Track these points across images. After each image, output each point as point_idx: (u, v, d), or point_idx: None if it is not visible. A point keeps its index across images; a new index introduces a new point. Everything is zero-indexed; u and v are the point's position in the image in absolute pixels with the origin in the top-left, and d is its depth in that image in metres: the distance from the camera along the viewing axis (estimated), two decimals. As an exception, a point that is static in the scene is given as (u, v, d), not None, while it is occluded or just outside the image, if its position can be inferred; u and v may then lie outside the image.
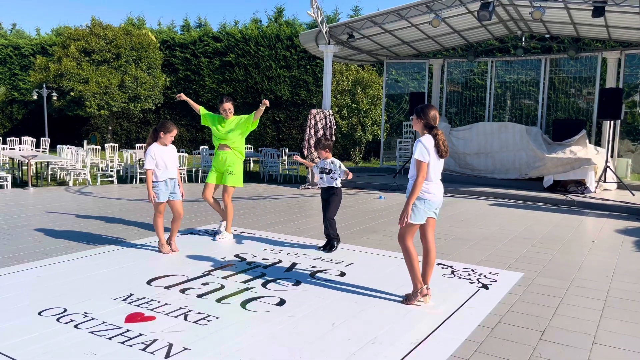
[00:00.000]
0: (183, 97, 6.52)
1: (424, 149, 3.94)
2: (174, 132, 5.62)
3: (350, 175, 5.67)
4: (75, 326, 3.53)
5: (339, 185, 5.83)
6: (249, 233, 6.77)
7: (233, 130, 6.34)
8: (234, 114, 6.44)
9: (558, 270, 5.31)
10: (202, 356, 3.14)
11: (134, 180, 13.24)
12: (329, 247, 5.83)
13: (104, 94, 22.99)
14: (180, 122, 25.70)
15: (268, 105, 6.22)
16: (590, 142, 12.50)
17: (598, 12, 10.04)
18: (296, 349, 3.28)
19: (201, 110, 6.64)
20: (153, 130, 5.64)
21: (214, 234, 6.65)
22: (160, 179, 5.53)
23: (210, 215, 8.10)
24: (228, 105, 6.33)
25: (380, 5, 47.39)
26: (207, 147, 16.51)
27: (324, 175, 5.82)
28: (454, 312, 3.99)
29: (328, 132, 12.69)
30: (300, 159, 6.17)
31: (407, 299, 4.17)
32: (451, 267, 5.31)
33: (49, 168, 13.35)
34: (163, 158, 5.52)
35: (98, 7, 69.08)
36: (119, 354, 3.14)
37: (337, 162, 5.81)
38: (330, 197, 5.81)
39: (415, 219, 4.01)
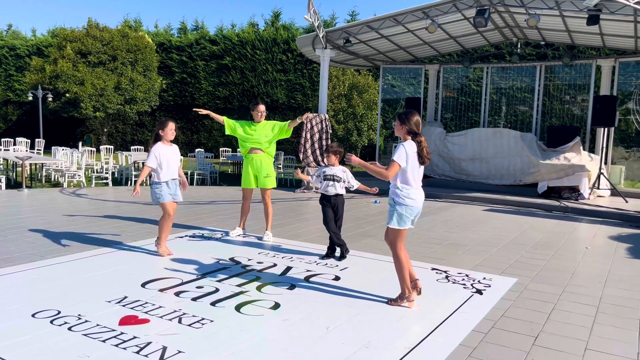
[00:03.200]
0: (203, 111, 6.51)
1: (404, 152, 3.96)
2: (171, 124, 5.63)
3: (376, 190, 5.55)
4: (69, 328, 3.52)
5: (344, 192, 5.76)
6: (244, 236, 6.76)
7: (269, 136, 6.58)
8: (238, 119, 6.65)
9: (551, 276, 5.33)
10: (196, 359, 3.14)
11: (129, 182, 13.21)
12: (340, 256, 5.70)
13: (100, 96, 22.95)
14: (176, 124, 25.62)
15: (310, 117, 6.35)
16: (584, 149, 12.58)
17: (593, 20, 10.12)
18: (290, 352, 3.28)
19: (225, 120, 6.66)
20: (155, 133, 5.62)
21: (209, 237, 6.65)
22: (163, 179, 5.52)
23: (206, 218, 8.10)
24: (262, 108, 6.57)
25: (377, 10, 47.56)
26: (202, 150, 16.50)
27: (335, 182, 5.59)
28: (448, 317, 4.00)
29: (324, 137, 12.71)
30: (300, 175, 5.97)
31: (392, 300, 4.17)
32: (445, 272, 5.32)
33: (44, 169, 13.31)
34: (167, 158, 5.54)
35: (94, 9, 69.05)
36: (112, 356, 3.13)
37: (348, 170, 5.72)
38: (338, 206, 5.64)
39: (404, 225, 4.03)
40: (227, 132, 6.70)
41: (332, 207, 5.63)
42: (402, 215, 4.01)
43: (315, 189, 12.07)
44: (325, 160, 5.74)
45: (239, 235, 6.74)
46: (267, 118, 6.74)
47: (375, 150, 17.25)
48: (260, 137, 6.54)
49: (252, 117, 6.64)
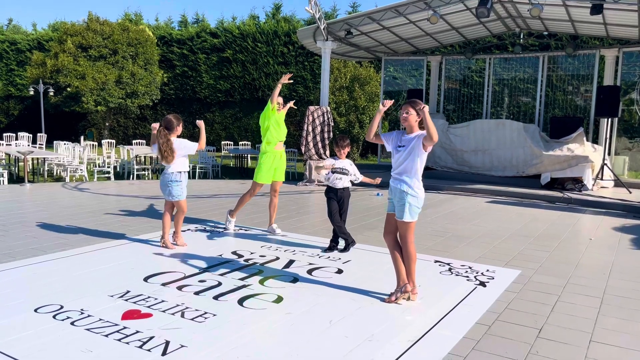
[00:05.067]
0: (286, 78, 6.15)
1: None
2: (181, 124, 5.67)
3: (378, 180, 5.49)
4: (72, 323, 3.51)
5: (350, 185, 5.74)
6: (246, 230, 6.76)
7: (285, 129, 6.47)
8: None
9: (555, 267, 5.31)
10: (199, 353, 3.13)
11: (131, 176, 13.21)
12: (344, 248, 5.69)
13: (101, 90, 22.92)
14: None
15: (292, 106, 6.24)
16: (587, 140, 12.51)
17: (596, 9, 10.03)
18: (293, 346, 3.27)
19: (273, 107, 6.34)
20: (164, 128, 5.51)
21: (210, 230, 6.64)
22: (184, 169, 5.59)
23: (208, 211, 8.08)
24: (280, 100, 6.36)
25: (378, 1, 47.24)
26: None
27: (343, 176, 5.57)
28: (451, 309, 3.99)
29: (326, 129, 12.67)
30: (321, 172, 6.14)
31: (392, 296, 4.12)
32: (449, 264, 5.30)
33: (46, 164, 13.31)
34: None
35: (95, 3, 68.84)
36: (115, 351, 3.13)
37: (353, 164, 5.70)
38: (344, 199, 5.62)
39: (415, 217, 4.00)
40: (267, 118, 6.26)
41: (337, 200, 5.62)
42: (414, 207, 3.97)
43: (317, 182, 12.04)
44: (336, 153, 5.68)
45: (235, 227, 6.70)
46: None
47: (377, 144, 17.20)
48: (284, 131, 6.45)
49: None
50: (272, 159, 6.43)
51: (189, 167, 5.73)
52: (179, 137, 5.61)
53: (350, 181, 5.69)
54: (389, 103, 4.10)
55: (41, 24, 56.63)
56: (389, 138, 4.14)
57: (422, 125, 3.97)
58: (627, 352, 3.34)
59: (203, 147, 5.66)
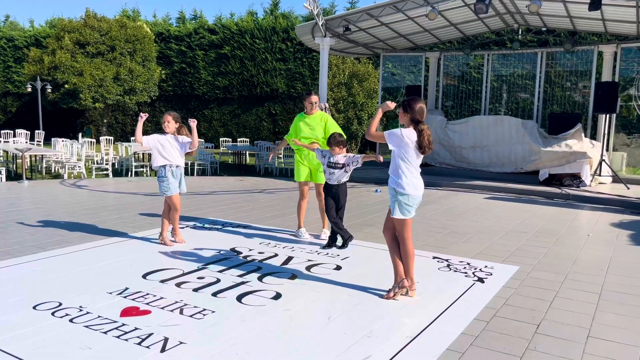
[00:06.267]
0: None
1: (397, 135, 3.92)
2: (165, 117, 5.75)
3: (381, 158, 5.27)
4: (70, 320, 3.51)
5: (347, 179, 5.71)
6: (244, 227, 6.76)
7: (321, 132, 6.14)
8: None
9: (553, 263, 5.32)
10: (198, 350, 3.13)
11: (130, 173, 13.19)
12: (342, 244, 5.68)
13: (99, 87, 22.87)
14: (173, 115, 25.53)
15: (381, 161, 5.81)
16: (585, 136, 12.53)
17: (594, 5, 10.01)
18: (292, 342, 3.28)
19: (287, 139, 6.28)
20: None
21: (210, 227, 6.64)
22: (160, 163, 5.59)
23: (207, 208, 8.08)
24: (315, 99, 6.19)
25: (376, -3, 47.17)
26: (202, 140, 16.45)
27: (336, 170, 5.56)
28: (450, 305, 4.00)
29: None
30: (299, 142, 5.92)
31: (389, 292, 4.12)
32: (447, 260, 5.31)
33: (44, 161, 13.28)
34: (161, 143, 5.62)
35: (92, -1, 68.55)
36: (114, 348, 3.13)
37: (349, 154, 5.65)
38: (339, 195, 5.61)
39: (408, 214, 4.00)
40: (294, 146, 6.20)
41: (332, 197, 5.62)
42: (405, 204, 3.97)
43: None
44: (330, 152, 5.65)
45: (234, 224, 6.68)
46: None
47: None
48: (316, 132, 6.12)
49: (304, 107, 6.26)
50: (302, 158, 6.20)
51: (171, 163, 5.67)
52: (165, 133, 5.69)
53: (349, 171, 5.62)
54: (388, 106, 4.05)
55: (38, 21, 56.53)
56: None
57: (414, 121, 3.97)
58: (625, 348, 3.35)
59: (139, 141, 5.66)
